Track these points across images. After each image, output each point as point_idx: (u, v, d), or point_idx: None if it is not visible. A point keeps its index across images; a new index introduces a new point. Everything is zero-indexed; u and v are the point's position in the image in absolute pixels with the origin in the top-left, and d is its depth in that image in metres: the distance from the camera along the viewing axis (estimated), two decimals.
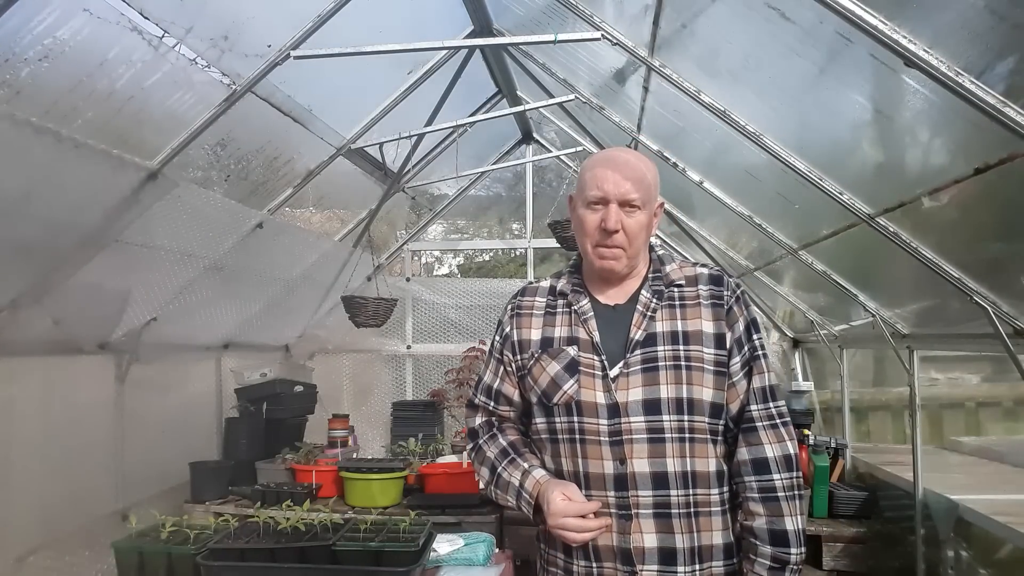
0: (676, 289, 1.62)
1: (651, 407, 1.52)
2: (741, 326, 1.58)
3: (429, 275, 6.54)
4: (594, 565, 1.55)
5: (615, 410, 1.53)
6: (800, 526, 1.52)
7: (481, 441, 1.76)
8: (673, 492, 1.51)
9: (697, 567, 1.52)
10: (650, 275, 1.65)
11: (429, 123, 3.56)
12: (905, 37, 1.37)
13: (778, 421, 1.56)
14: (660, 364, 1.54)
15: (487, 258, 6.83)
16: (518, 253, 6.10)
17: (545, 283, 1.74)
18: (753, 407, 1.55)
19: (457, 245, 6.06)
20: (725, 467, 1.57)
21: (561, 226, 4.09)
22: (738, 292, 1.62)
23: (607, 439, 1.53)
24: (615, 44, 2.40)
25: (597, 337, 1.59)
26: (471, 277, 6.17)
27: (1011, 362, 2.00)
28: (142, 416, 3.20)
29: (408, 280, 5.14)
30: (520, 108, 3.98)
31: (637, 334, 1.57)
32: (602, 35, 2.36)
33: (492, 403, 1.74)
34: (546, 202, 5.19)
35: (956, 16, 1.39)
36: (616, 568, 1.52)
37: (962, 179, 1.70)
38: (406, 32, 2.74)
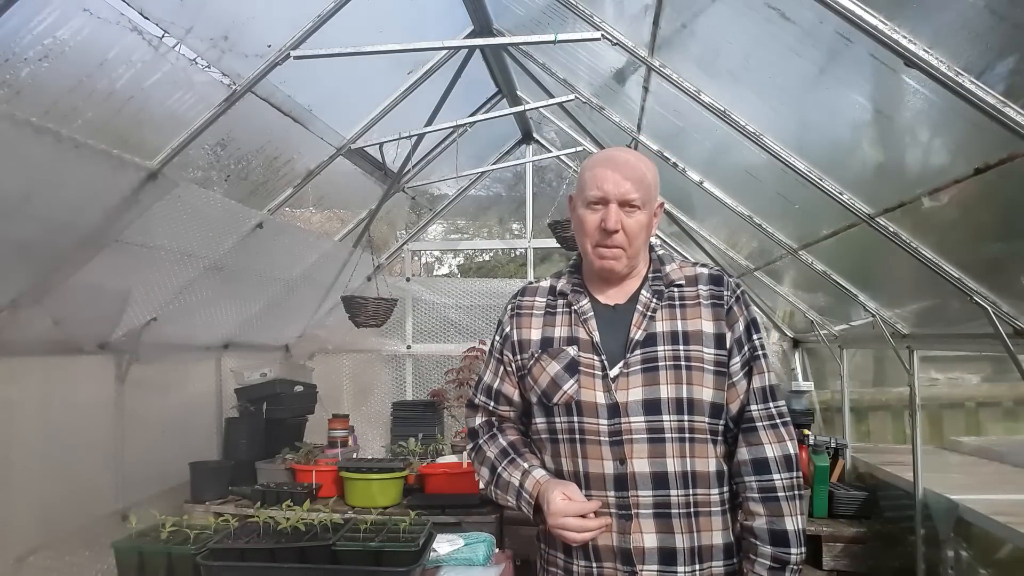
0: (676, 289, 1.62)
1: (651, 407, 1.52)
2: (741, 326, 1.58)
3: (429, 275, 6.53)
4: (594, 565, 1.55)
5: (615, 410, 1.53)
6: (800, 526, 1.52)
7: (481, 441, 1.76)
8: (673, 492, 1.51)
9: (697, 567, 1.52)
10: (650, 275, 1.65)
11: (429, 123, 3.56)
12: (905, 37, 1.37)
13: (778, 421, 1.56)
14: (660, 364, 1.54)
15: (487, 258, 6.83)
16: (518, 253, 6.10)
17: (545, 283, 1.74)
18: (753, 407, 1.55)
19: (457, 245, 6.06)
20: (725, 467, 1.58)
21: (561, 226, 4.09)
22: (738, 292, 1.62)
23: (607, 439, 1.53)
24: (615, 44, 2.40)
25: (597, 337, 1.59)
26: (471, 277, 6.17)
27: (1011, 362, 2.00)
28: (142, 416, 3.20)
29: (408, 280, 5.14)
30: (520, 108, 3.98)
31: (637, 334, 1.57)
32: (602, 35, 2.36)
33: (492, 403, 1.74)
34: (546, 202, 5.19)
35: (956, 16, 1.39)
36: (616, 568, 1.52)
37: (962, 179, 1.70)
38: (406, 32, 2.74)
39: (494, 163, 5.06)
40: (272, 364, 4.31)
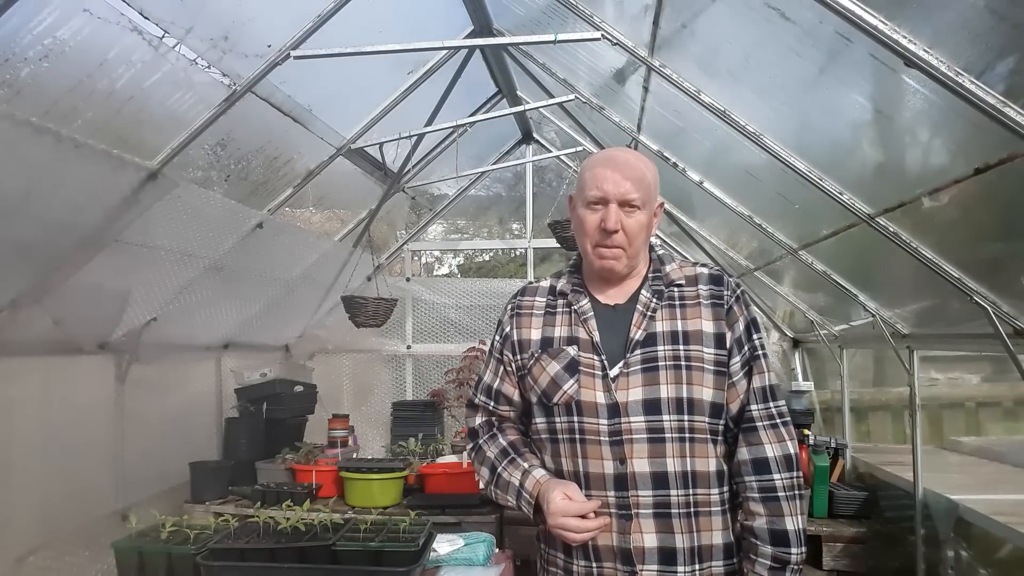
0: (676, 289, 1.62)
1: (651, 407, 1.52)
2: (741, 326, 1.58)
3: (429, 275, 6.53)
4: (594, 565, 1.55)
5: (615, 410, 1.53)
6: (800, 526, 1.52)
7: (481, 441, 1.76)
8: (673, 492, 1.51)
9: (697, 567, 1.52)
10: (650, 275, 1.65)
11: (429, 123, 3.56)
12: (905, 37, 1.37)
13: (778, 421, 1.56)
14: (660, 364, 1.54)
15: (487, 258, 6.82)
16: (518, 253, 6.10)
17: (545, 283, 1.74)
18: (753, 407, 1.55)
19: (457, 245, 6.06)
20: (725, 467, 1.58)
21: (561, 226, 4.09)
22: (738, 292, 1.62)
23: (607, 439, 1.53)
24: (615, 44, 2.40)
25: (597, 337, 1.59)
26: (471, 277, 6.17)
27: (1011, 362, 2.00)
28: (142, 416, 3.20)
29: (408, 280, 5.14)
30: (520, 108, 3.98)
31: (637, 334, 1.57)
32: (602, 35, 2.36)
33: (492, 403, 1.74)
34: (546, 202, 5.19)
35: (956, 16, 1.39)
36: (616, 568, 1.52)
37: (962, 179, 1.70)
38: (406, 32, 2.74)
39: (494, 163, 5.06)
40: (272, 364, 4.31)
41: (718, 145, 2.79)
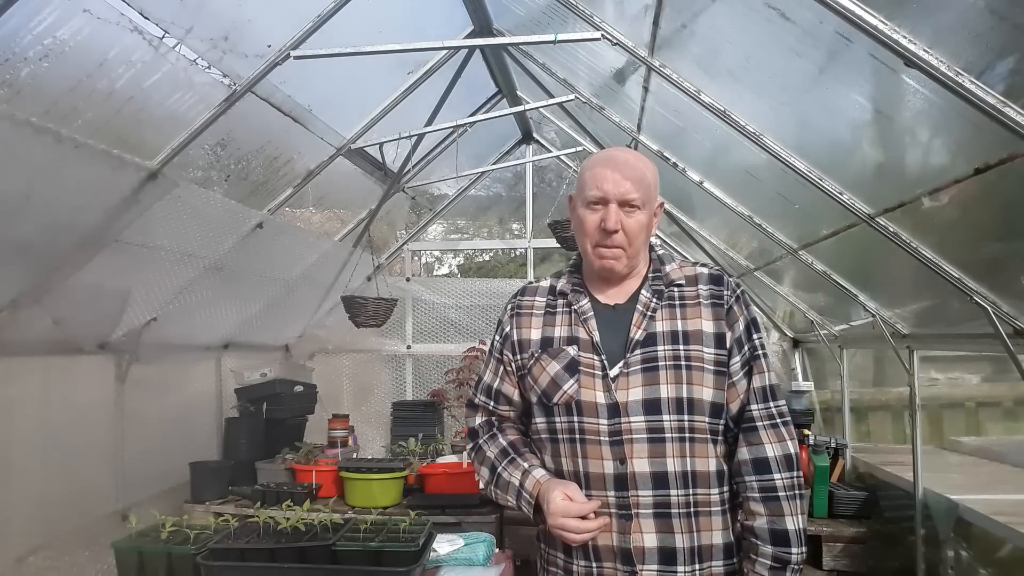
0: (676, 289, 1.62)
1: (651, 407, 1.52)
2: (741, 326, 1.58)
3: (429, 275, 6.53)
4: (594, 565, 1.55)
5: (615, 410, 1.53)
6: (801, 525, 1.52)
7: (481, 441, 1.76)
8: (673, 492, 1.51)
9: (697, 567, 1.52)
10: (650, 275, 1.65)
11: (429, 123, 3.56)
12: (905, 37, 1.37)
13: (778, 421, 1.56)
14: (660, 364, 1.54)
15: (487, 258, 6.82)
16: (518, 253, 6.09)
17: (545, 283, 1.74)
18: (753, 407, 1.55)
19: (457, 245, 6.06)
20: (725, 467, 1.58)
21: (561, 226, 4.09)
22: (738, 292, 1.62)
23: (607, 439, 1.53)
24: (615, 44, 2.40)
25: (597, 337, 1.59)
26: (471, 277, 6.17)
27: (1011, 362, 2.00)
28: (142, 416, 3.20)
29: (408, 280, 5.14)
30: (520, 108, 3.98)
31: (637, 334, 1.57)
32: (602, 35, 2.36)
33: (492, 403, 1.74)
34: (546, 202, 5.19)
35: (956, 16, 1.39)
36: (616, 568, 1.52)
37: (962, 179, 1.70)
38: (406, 32, 2.74)
39: (494, 163, 5.06)
40: (272, 364, 4.31)
41: (718, 145, 2.79)
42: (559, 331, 1.64)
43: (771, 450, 1.53)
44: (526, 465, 1.64)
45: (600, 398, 1.54)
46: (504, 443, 1.72)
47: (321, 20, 2.53)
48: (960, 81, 1.35)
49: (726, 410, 1.56)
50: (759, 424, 1.54)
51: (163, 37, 2.24)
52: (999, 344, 2.01)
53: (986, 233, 1.97)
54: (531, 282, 1.79)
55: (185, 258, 3.05)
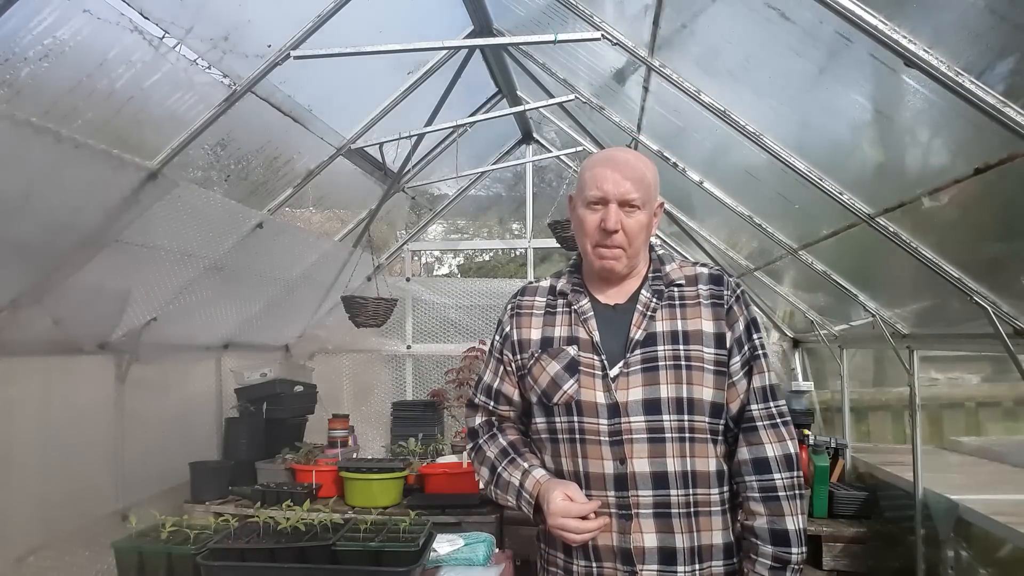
0: (676, 289, 1.62)
1: (651, 407, 1.52)
2: (741, 325, 1.58)
3: (429, 275, 6.53)
4: (594, 565, 1.55)
5: (615, 410, 1.53)
6: (801, 525, 1.52)
7: (481, 441, 1.76)
8: (673, 492, 1.51)
9: (697, 567, 1.52)
10: (650, 275, 1.65)
11: (429, 123, 3.56)
12: (905, 37, 1.37)
13: (778, 420, 1.56)
14: (660, 364, 1.54)
15: (487, 258, 6.82)
16: (518, 253, 6.09)
17: (545, 283, 1.74)
18: (753, 406, 1.55)
19: (457, 245, 6.06)
20: (725, 467, 1.58)
21: (561, 226, 4.09)
22: (738, 292, 1.62)
23: (607, 439, 1.53)
24: (615, 44, 2.39)
25: (597, 337, 1.59)
26: (471, 277, 6.16)
27: (1011, 362, 2.00)
28: (142, 416, 3.20)
29: (408, 280, 5.14)
30: (520, 108, 3.98)
31: (637, 334, 1.57)
32: (602, 35, 2.36)
33: (492, 403, 1.74)
34: (546, 202, 5.19)
35: (956, 16, 1.39)
36: (616, 568, 1.52)
37: (962, 179, 1.70)
38: (406, 32, 2.74)
39: (494, 163, 5.06)
40: (272, 364, 4.31)
41: (718, 145, 2.79)
42: (559, 331, 1.64)
43: (771, 450, 1.53)
44: (526, 465, 1.64)
45: (600, 398, 1.54)
46: (504, 443, 1.72)
47: (321, 20, 2.53)
48: (960, 81, 1.35)
49: (726, 410, 1.56)
50: (759, 424, 1.54)
51: (163, 37, 2.24)
52: (999, 344, 2.01)
53: (986, 233, 1.97)
54: (531, 282, 1.79)
55: (185, 258, 3.05)
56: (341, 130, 3.45)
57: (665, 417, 1.52)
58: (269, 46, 2.52)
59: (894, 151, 2.03)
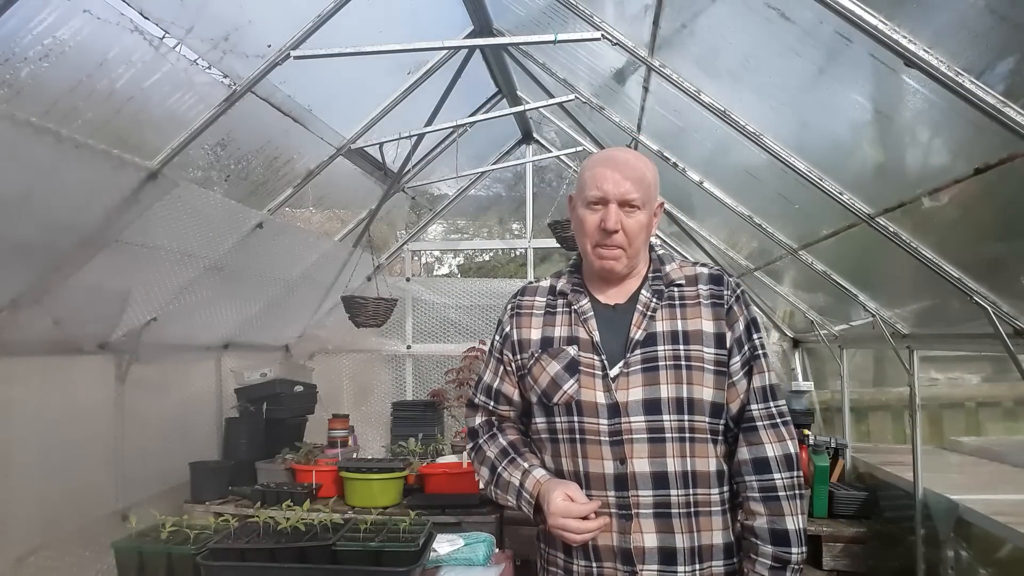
0: (676, 289, 1.62)
1: (651, 407, 1.52)
2: (741, 325, 1.58)
3: (429, 275, 6.53)
4: (594, 565, 1.55)
5: (615, 410, 1.53)
6: (801, 525, 1.52)
7: (481, 441, 1.76)
8: (673, 492, 1.51)
9: (697, 567, 1.52)
10: (650, 275, 1.65)
11: (429, 123, 3.56)
12: (905, 37, 1.37)
13: (778, 420, 1.56)
14: (660, 364, 1.54)
15: (487, 258, 6.82)
16: (518, 253, 6.09)
17: (545, 283, 1.74)
18: (753, 406, 1.55)
19: (457, 245, 6.06)
20: (725, 467, 1.58)
21: (561, 226, 4.09)
22: (738, 292, 1.62)
23: (607, 439, 1.53)
24: (615, 44, 2.40)
25: (597, 337, 1.59)
26: (471, 277, 6.16)
27: (1011, 362, 2.00)
28: (142, 416, 3.20)
29: (408, 280, 5.14)
30: (520, 108, 3.98)
31: (637, 334, 1.57)
32: (602, 35, 2.36)
33: (492, 403, 1.74)
34: (546, 202, 5.19)
35: (956, 16, 1.39)
36: (616, 568, 1.52)
37: (962, 179, 1.70)
38: (406, 32, 2.74)
39: (494, 163, 5.06)
40: (272, 364, 4.31)
41: (718, 145, 2.79)
42: (559, 331, 1.64)
43: (771, 450, 1.53)
44: (526, 465, 1.64)
45: (600, 398, 1.54)
46: (504, 443, 1.72)
47: (321, 20, 2.53)
48: (960, 81, 1.35)
49: (726, 410, 1.56)
50: (759, 424, 1.54)
51: (163, 37, 2.24)
52: (999, 344, 2.01)
53: (986, 233, 1.97)
54: (531, 282, 1.79)
55: (185, 258, 3.05)
56: (341, 130, 3.45)
57: (665, 417, 1.52)
58: (269, 46, 2.52)
59: (894, 151, 2.03)
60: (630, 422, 1.52)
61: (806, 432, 3.35)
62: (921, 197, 1.90)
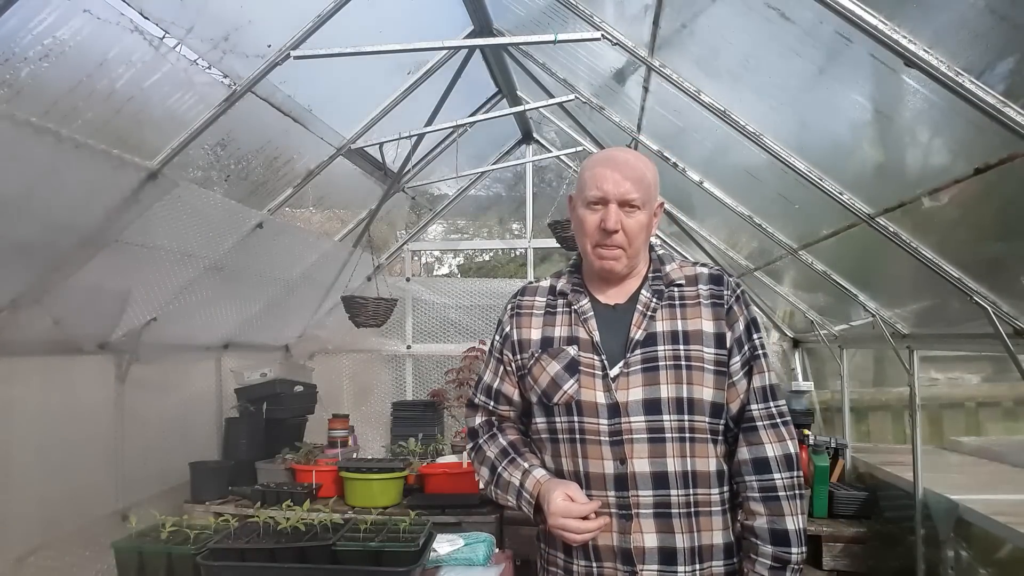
0: (676, 289, 1.62)
1: (651, 407, 1.52)
2: (741, 325, 1.58)
3: (429, 275, 6.53)
4: (594, 565, 1.55)
5: (615, 410, 1.53)
6: (801, 525, 1.52)
7: (481, 441, 1.76)
8: (673, 492, 1.51)
9: (697, 567, 1.52)
10: (650, 275, 1.65)
11: (429, 123, 3.56)
12: (905, 37, 1.37)
13: (778, 420, 1.56)
14: (660, 364, 1.54)
15: (487, 258, 6.82)
16: (518, 253, 6.09)
17: (545, 283, 1.74)
18: (753, 406, 1.55)
19: (457, 245, 6.06)
20: (725, 467, 1.58)
21: (561, 226, 4.10)
22: (738, 292, 1.62)
23: (607, 439, 1.53)
24: (615, 44, 2.40)
25: (597, 337, 1.59)
26: (471, 277, 6.16)
27: (1011, 362, 2.00)
28: (142, 416, 3.20)
29: (408, 280, 5.14)
30: (520, 108, 3.98)
31: (637, 334, 1.57)
32: (602, 35, 2.36)
33: (492, 403, 1.74)
34: (546, 202, 5.19)
35: (956, 16, 1.39)
36: (616, 568, 1.52)
37: (962, 179, 1.70)
38: (406, 32, 2.74)
39: (494, 163, 5.06)
40: (272, 364, 4.31)
41: (718, 145, 2.79)
42: (559, 331, 1.64)
43: (771, 450, 1.53)
44: (526, 465, 1.64)
45: (600, 398, 1.54)
46: (504, 443, 1.72)
47: (321, 20, 2.53)
48: (960, 81, 1.35)
49: (726, 410, 1.56)
50: (759, 424, 1.54)
51: (163, 37, 2.24)
52: (999, 344, 2.01)
53: (986, 233, 1.97)
54: (531, 282, 1.79)
55: (185, 258, 3.05)
56: (341, 130, 3.45)
57: (665, 417, 1.52)
58: (269, 46, 2.52)
59: (894, 151, 2.03)
60: (630, 422, 1.52)
61: (806, 432, 3.35)
62: (921, 197, 1.90)
